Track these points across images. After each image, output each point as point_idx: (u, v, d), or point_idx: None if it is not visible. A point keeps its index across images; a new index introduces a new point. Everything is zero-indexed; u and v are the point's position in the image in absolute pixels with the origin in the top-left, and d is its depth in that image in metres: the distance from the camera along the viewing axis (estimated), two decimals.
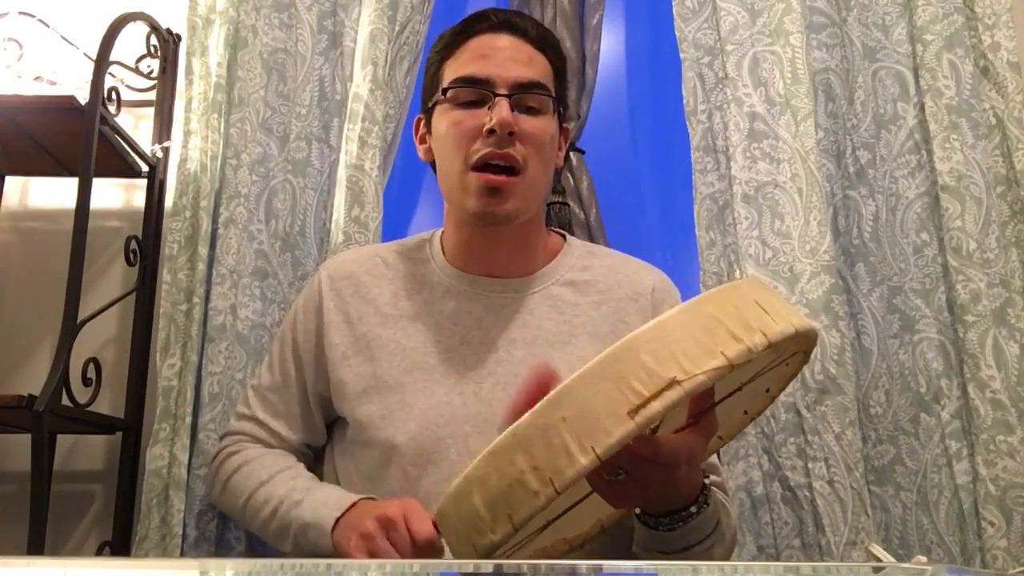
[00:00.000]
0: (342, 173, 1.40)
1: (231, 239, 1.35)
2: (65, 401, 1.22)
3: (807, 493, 1.27)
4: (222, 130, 1.40)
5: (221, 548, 1.27)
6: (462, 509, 0.70)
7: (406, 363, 1.07)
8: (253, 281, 1.37)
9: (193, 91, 1.42)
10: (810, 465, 1.27)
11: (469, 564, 0.70)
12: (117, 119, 1.43)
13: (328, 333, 1.11)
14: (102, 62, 1.35)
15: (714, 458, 1.11)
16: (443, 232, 1.17)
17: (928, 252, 1.37)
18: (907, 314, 1.37)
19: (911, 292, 1.37)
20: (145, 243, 1.47)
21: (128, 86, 1.55)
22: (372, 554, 0.90)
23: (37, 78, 1.47)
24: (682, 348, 0.67)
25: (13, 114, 1.37)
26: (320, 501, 1.01)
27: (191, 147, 1.39)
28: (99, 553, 1.37)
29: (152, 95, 1.56)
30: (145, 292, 1.46)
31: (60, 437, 1.43)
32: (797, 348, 0.81)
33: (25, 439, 1.16)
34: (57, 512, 1.41)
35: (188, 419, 1.26)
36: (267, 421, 1.14)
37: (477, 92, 1.06)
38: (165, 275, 1.35)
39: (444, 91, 1.08)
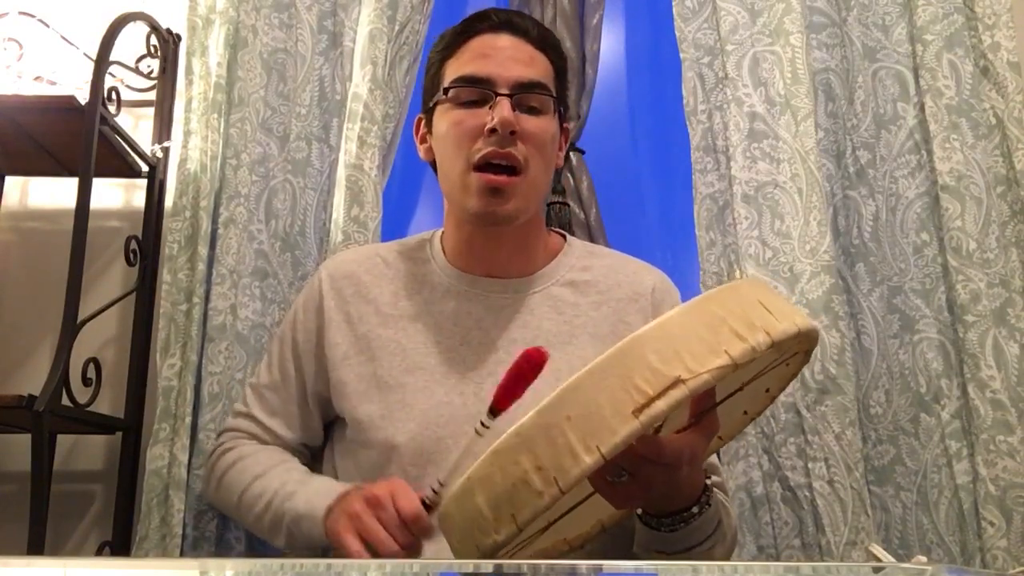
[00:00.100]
0: (342, 173, 1.39)
1: (231, 239, 1.35)
2: (65, 401, 1.22)
3: (807, 493, 1.27)
4: (222, 130, 1.40)
5: (221, 548, 1.27)
6: (465, 509, 0.70)
7: (406, 363, 1.07)
8: (253, 281, 1.37)
9: (193, 91, 1.41)
10: (810, 465, 1.27)
11: (469, 564, 0.70)
12: (117, 119, 1.43)
13: (328, 333, 1.11)
14: (102, 62, 1.35)
15: (714, 458, 1.11)
16: (443, 232, 1.17)
17: (928, 252, 1.37)
18: (907, 314, 1.37)
19: (911, 292, 1.37)
20: (145, 243, 1.47)
21: (128, 86, 1.55)
22: (360, 533, 0.89)
23: (37, 78, 1.47)
24: (687, 347, 0.67)
25: (13, 114, 1.37)
26: (313, 491, 1.01)
27: (191, 147, 1.39)
28: (99, 553, 1.37)
29: (152, 95, 1.56)
30: (145, 292, 1.46)
31: (60, 437, 1.43)
32: (799, 347, 0.81)
33: (25, 439, 1.16)
34: (57, 512, 1.41)
35: (188, 419, 1.27)
36: (264, 419, 1.14)
37: (478, 92, 1.06)
38: (165, 275, 1.35)
39: (445, 91, 1.08)
